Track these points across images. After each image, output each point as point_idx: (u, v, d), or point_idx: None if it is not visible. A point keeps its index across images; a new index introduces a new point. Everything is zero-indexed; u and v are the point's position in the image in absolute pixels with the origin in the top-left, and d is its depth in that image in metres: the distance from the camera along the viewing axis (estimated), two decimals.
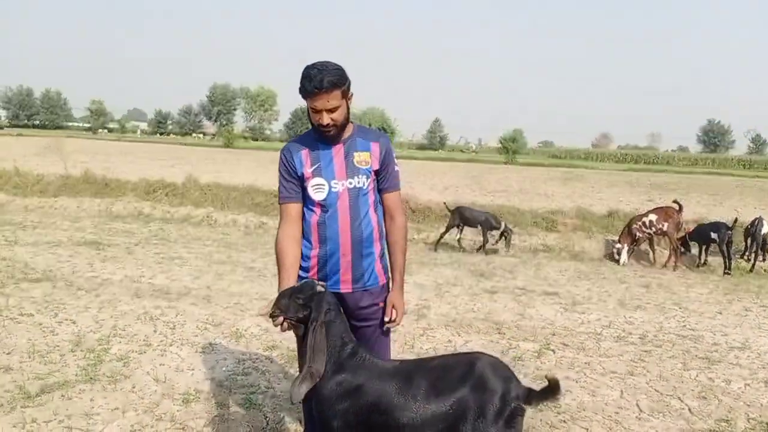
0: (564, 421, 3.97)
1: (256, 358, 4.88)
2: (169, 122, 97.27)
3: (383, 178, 2.91)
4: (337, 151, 2.81)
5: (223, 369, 4.63)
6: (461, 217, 10.60)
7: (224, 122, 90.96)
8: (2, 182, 14.22)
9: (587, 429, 3.87)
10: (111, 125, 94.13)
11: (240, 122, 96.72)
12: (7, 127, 77.59)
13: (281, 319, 2.55)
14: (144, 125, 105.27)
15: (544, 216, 12.05)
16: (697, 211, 13.31)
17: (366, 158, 2.83)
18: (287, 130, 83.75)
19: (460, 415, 2.45)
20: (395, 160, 2.96)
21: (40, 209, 12.88)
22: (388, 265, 2.99)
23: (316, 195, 2.80)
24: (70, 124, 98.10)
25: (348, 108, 2.76)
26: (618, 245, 10.25)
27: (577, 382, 4.68)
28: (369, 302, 2.89)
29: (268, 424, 3.79)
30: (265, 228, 11.69)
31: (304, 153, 2.83)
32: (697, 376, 4.93)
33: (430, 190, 16.40)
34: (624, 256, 10.10)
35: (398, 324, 3.01)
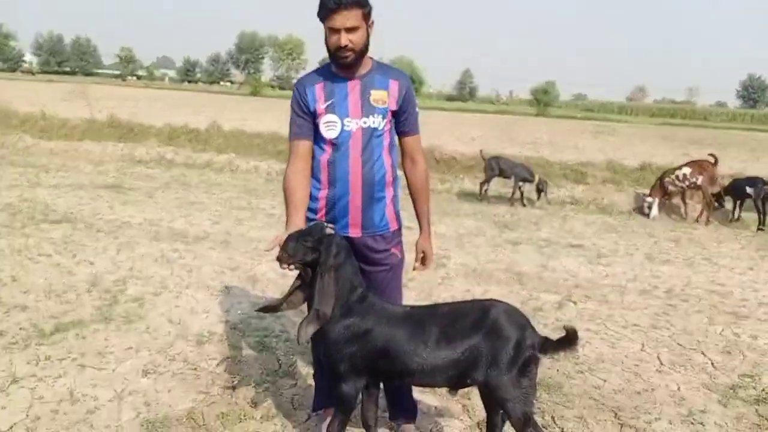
0: (581, 372, 3.86)
1: None
2: (197, 70, 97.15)
3: (404, 121, 2.75)
4: (353, 87, 2.65)
5: (238, 312, 4.60)
6: (498, 167, 10.31)
7: (252, 71, 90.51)
8: (28, 126, 14.31)
9: (605, 380, 3.76)
10: (140, 73, 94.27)
11: (268, 71, 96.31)
12: (38, 73, 78.16)
13: (289, 262, 2.46)
14: (172, 73, 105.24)
15: (574, 168, 11.75)
16: (734, 166, 12.84)
17: (383, 97, 2.66)
18: None
19: (472, 363, 2.35)
20: (415, 101, 2.80)
21: (64, 152, 12.95)
22: (401, 211, 2.86)
23: (328, 133, 2.65)
24: (100, 71, 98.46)
25: (368, 35, 2.59)
26: (649, 199, 9.96)
27: (597, 333, 4.55)
28: (380, 247, 2.77)
29: (280, 366, 3.75)
30: None
31: (318, 87, 2.67)
32: (722, 331, 4.77)
33: (456, 140, 16.08)
34: (655, 210, 9.82)
35: (427, 268, 2.95)
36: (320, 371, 3.00)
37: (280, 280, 5.35)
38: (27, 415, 2.99)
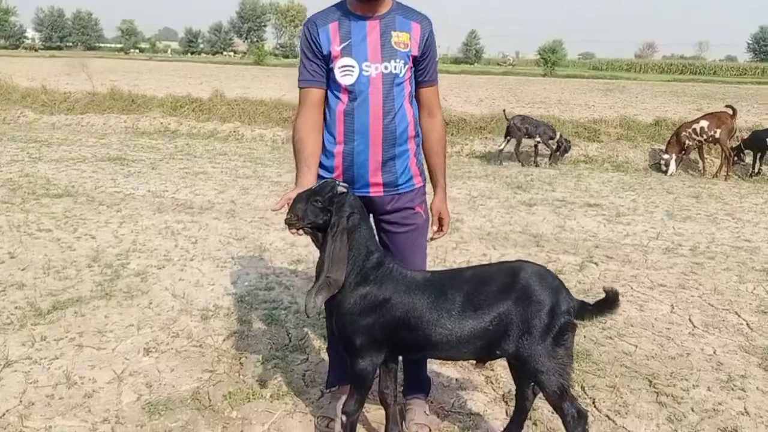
0: (610, 338, 3.64)
1: (280, 273, 4.63)
2: (199, 41, 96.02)
3: (424, 69, 2.48)
4: (373, 27, 2.36)
5: (245, 284, 4.40)
6: (524, 127, 9.92)
7: (255, 39, 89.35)
8: (30, 101, 14.04)
9: (636, 346, 3.55)
10: (142, 45, 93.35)
11: (271, 39, 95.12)
12: (41, 49, 77.59)
13: (298, 226, 2.21)
14: (175, 44, 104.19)
15: (586, 125, 11.38)
16: (749, 119, 12.47)
17: (405, 40, 2.38)
18: None
19: (501, 332, 2.12)
20: (436, 47, 2.52)
21: (67, 126, 12.71)
22: (424, 166, 2.61)
23: (344, 79, 2.36)
24: (102, 45, 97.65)
25: None
26: (665, 155, 9.61)
27: (623, 296, 4.30)
28: (403, 206, 2.52)
29: (290, 340, 3.55)
30: None
31: (333, 27, 2.38)
32: (754, 289, 4.55)
33: (464, 102, 15.75)
34: (672, 166, 9.49)
35: (445, 234, 2.67)
36: (334, 344, 2.75)
37: (289, 249, 5.15)
38: (20, 401, 2.80)
